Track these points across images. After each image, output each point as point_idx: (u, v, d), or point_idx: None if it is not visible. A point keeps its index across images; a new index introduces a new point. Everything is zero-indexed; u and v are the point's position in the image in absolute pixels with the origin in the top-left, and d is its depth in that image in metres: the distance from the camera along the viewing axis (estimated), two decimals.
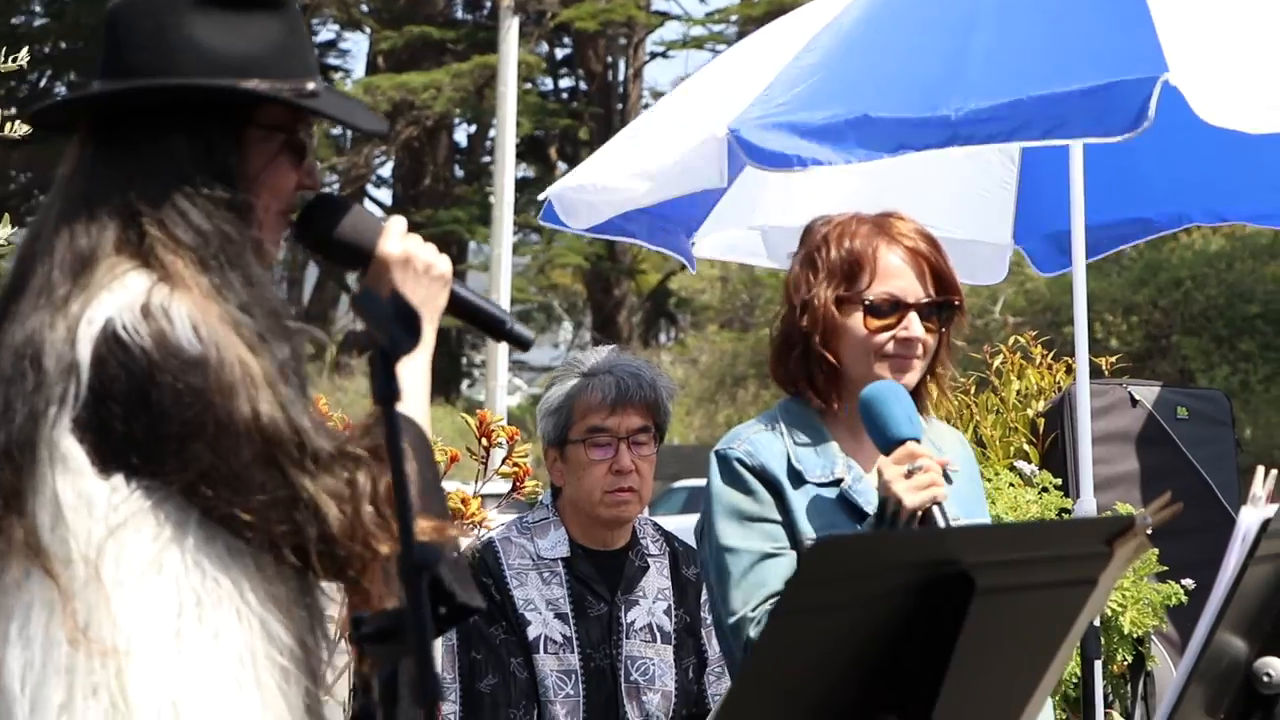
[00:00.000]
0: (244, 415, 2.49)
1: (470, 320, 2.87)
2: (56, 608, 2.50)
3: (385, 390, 2.08)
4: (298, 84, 2.67)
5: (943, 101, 4.64)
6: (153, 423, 2.49)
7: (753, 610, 3.47)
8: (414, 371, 2.72)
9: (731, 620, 3.50)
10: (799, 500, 3.53)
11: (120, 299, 2.52)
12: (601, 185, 5.35)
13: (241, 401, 2.49)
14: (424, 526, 2.52)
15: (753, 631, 3.45)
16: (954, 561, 2.31)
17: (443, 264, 2.79)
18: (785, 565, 3.48)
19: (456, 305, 2.82)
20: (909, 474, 3.37)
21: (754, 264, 6.35)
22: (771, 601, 3.44)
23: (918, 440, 3.43)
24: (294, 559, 2.53)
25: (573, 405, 4.50)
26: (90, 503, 2.51)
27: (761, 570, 3.49)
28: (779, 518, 3.53)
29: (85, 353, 2.50)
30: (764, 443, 3.59)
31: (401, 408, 2.64)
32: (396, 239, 2.77)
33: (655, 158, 5.12)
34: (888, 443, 3.43)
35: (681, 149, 4.97)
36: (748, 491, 3.55)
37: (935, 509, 3.35)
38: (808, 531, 3.51)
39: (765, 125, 4.71)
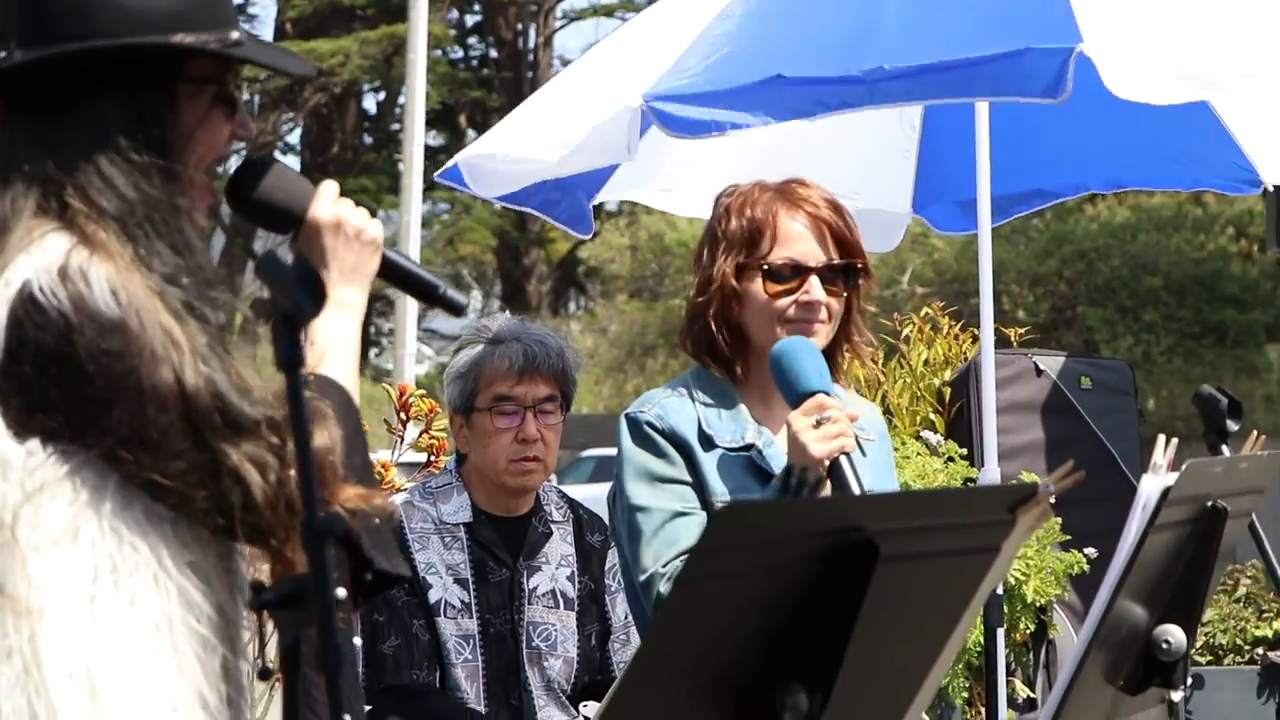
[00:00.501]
0: (165, 380, 2.47)
1: (402, 286, 2.85)
2: None
3: (289, 355, 2.06)
4: (222, 34, 2.64)
5: (858, 62, 4.64)
6: (70, 386, 2.46)
7: (664, 566, 3.48)
8: (343, 335, 2.71)
9: (643, 578, 3.51)
10: (710, 463, 3.54)
11: (38, 261, 2.49)
12: (513, 156, 5.32)
13: (162, 367, 2.47)
14: (351, 493, 2.51)
15: (663, 587, 3.46)
16: (858, 528, 2.31)
17: (374, 229, 2.76)
18: (696, 524, 3.49)
19: (389, 270, 2.80)
20: (817, 424, 3.37)
21: (653, 206, 6.32)
22: (682, 557, 3.45)
23: (827, 394, 3.44)
24: (215, 525, 2.51)
25: (479, 372, 4.49)
26: (5, 466, 2.48)
27: (673, 528, 3.50)
28: (690, 479, 3.54)
29: (0, 315, 2.47)
30: (674, 407, 3.59)
31: (329, 370, 2.65)
32: (328, 203, 2.74)
33: (568, 129, 5.10)
34: (797, 396, 3.43)
35: (594, 121, 4.95)
36: (659, 453, 3.56)
37: (842, 459, 3.35)
38: (719, 492, 3.52)
39: (681, 93, 4.70)
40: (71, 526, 2.49)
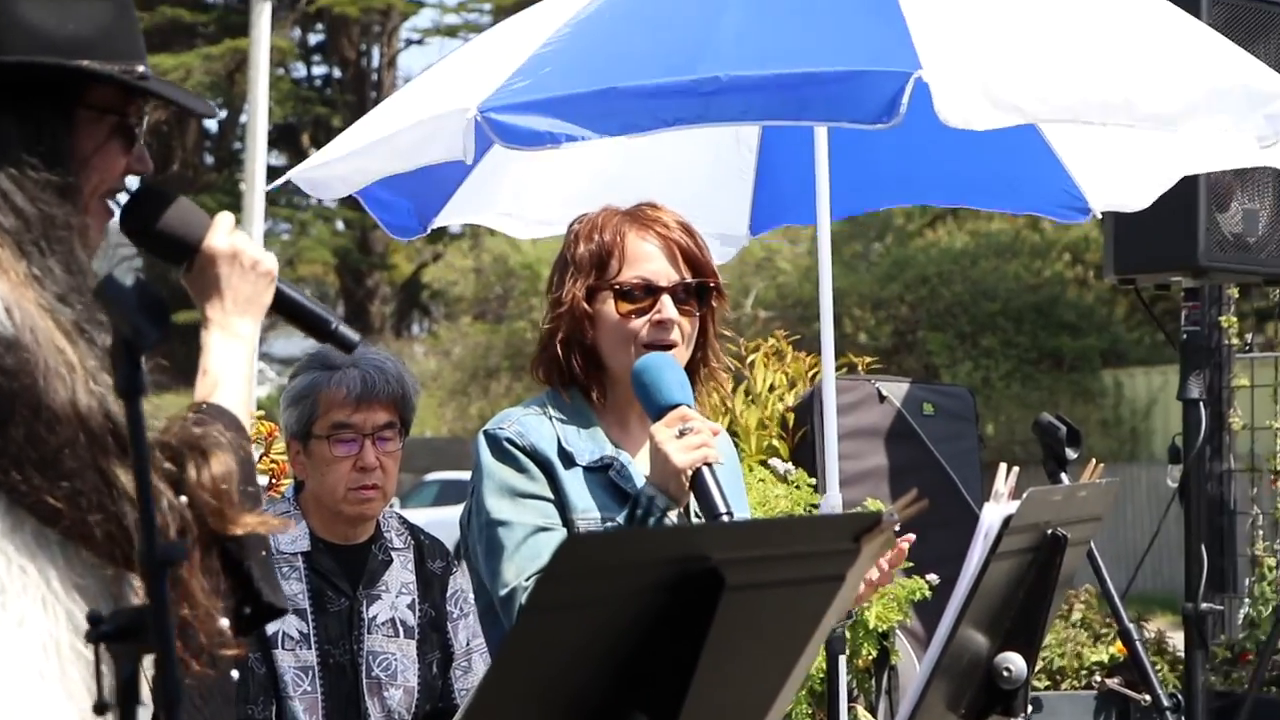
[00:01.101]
0: (59, 400, 2.44)
1: (294, 320, 2.85)
2: None
3: (129, 383, 2.02)
4: (128, 65, 2.64)
5: (692, 71, 4.64)
6: None
7: (526, 580, 3.46)
8: (235, 364, 2.70)
9: (504, 592, 3.49)
10: (570, 480, 3.54)
11: None
12: (345, 160, 5.29)
13: (56, 386, 2.44)
14: (251, 519, 2.51)
15: (525, 600, 3.44)
16: (704, 557, 2.31)
17: (269, 261, 2.77)
18: (557, 539, 3.48)
19: (282, 303, 2.79)
20: (680, 435, 3.38)
21: (495, 229, 6.30)
22: (532, 583, 3.43)
23: (690, 406, 3.44)
24: (103, 550, 2.47)
25: (316, 399, 4.45)
26: None
27: (535, 542, 3.49)
28: (551, 496, 3.54)
29: None
30: (533, 424, 3.59)
31: (221, 399, 2.63)
32: (224, 234, 2.74)
33: (402, 132, 5.08)
34: (659, 409, 3.44)
35: (427, 122, 4.93)
36: (520, 469, 3.55)
37: (705, 470, 3.36)
38: (580, 509, 3.52)
39: (513, 106, 4.68)
40: None
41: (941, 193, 6.33)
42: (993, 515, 3.01)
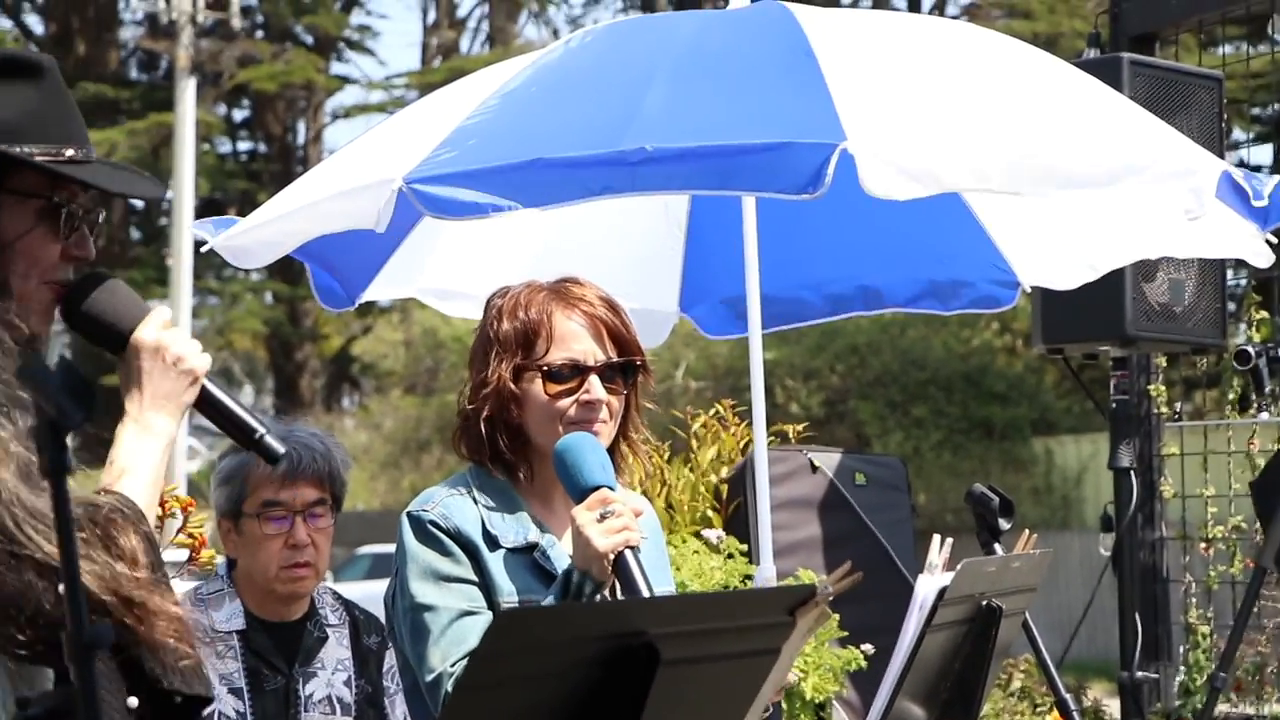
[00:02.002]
0: None
1: (219, 422, 2.82)
2: None
3: (55, 463, 2.00)
4: (54, 149, 2.62)
5: (618, 143, 4.64)
6: None
7: (451, 665, 3.43)
8: (143, 458, 2.68)
9: (430, 678, 3.46)
10: (495, 562, 3.51)
11: None
12: (266, 226, 5.27)
13: None
14: (169, 627, 2.51)
15: (450, 686, 3.41)
16: (639, 633, 2.30)
17: (195, 360, 2.74)
18: (484, 623, 3.45)
19: (207, 405, 2.77)
20: (602, 518, 3.36)
21: (424, 302, 6.28)
22: (465, 663, 3.40)
23: (611, 488, 3.42)
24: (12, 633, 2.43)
25: (245, 476, 4.43)
26: None
27: (460, 627, 3.46)
28: (476, 579, 3.50)
29: None
30: (457, 506, 3.56)
31: (124, 488, 2.59)
32: (154, 327, 2.73)
33: (323, 198, 5.07)
34: (581, 491, 3.42)
35: (351, 192, 4.92)
36: (444, 552, 3.51)
37: (627, 553, 3.34)
38: (505, 591, 3.49)
39: (438, 177, 4.67)
40: None
41: (862, 281, 6.31)
42: (927, 587, 3.00)
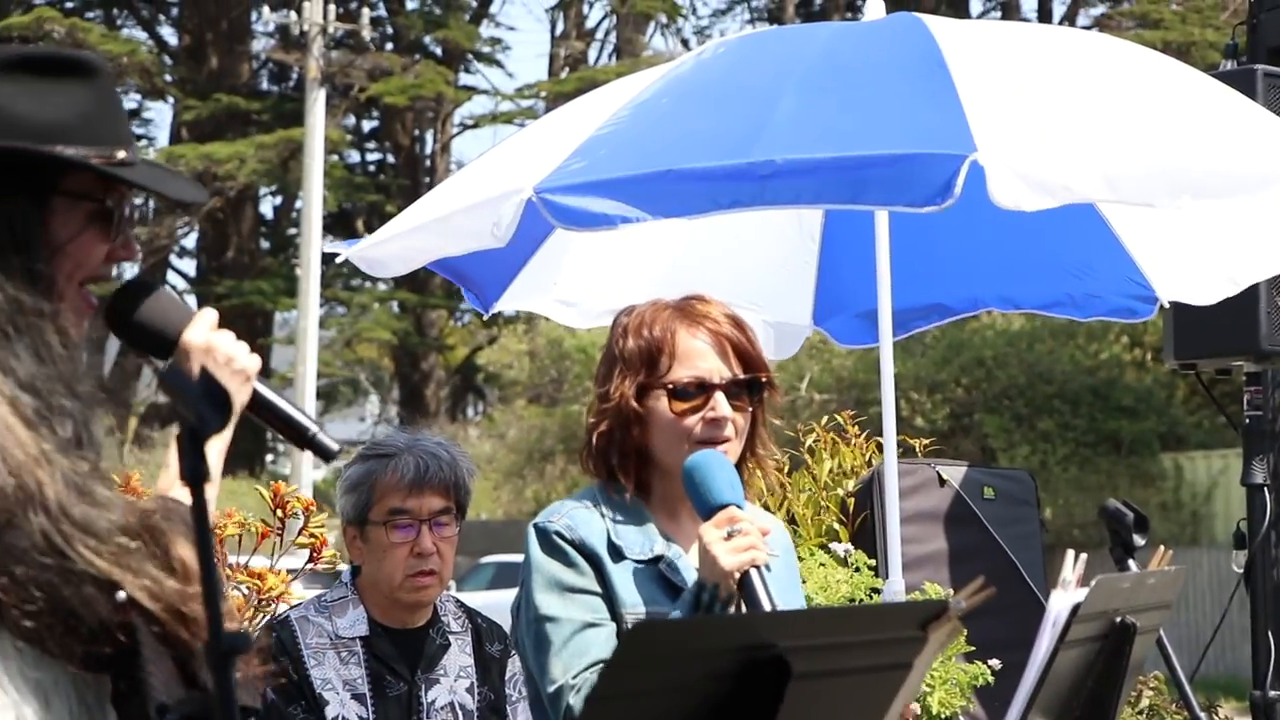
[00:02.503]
0: (8, 485, 2.41)
1: (272, 423, 2.81)
2: None
3: (194, 471, 2.02)
4: (106, 151, 2.62)
5: (747, 154, 4.63)
6: None
7: (573, 678, 3.44)
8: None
9: (551, 689, 3.47)
10: (619, 575, 3.51)
11: None
12: (399, 239, 5.31)
13: (4, 473, 2.41)
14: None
15: (573, 699, 3.42)
16: (770, 646, 2.29)
17: (246, 360, 2.73)
18: (606, 635, 3.46)
19: (259, 406, 2.77)
20: (728, 536, 3.35)
21: (555, 319, 6.31)
22: (593, 669, 3.41)
23: (739, 506, 3.41)
24: (50, 645, 2.43)
25: (372, 485, 4.46)
26: None
27: (583, 639, 3.46)
28: (599, 590, 3.51)
29: None
30: (583, 518, 3.56)
31: (179, 494, 2.59)
32: (202, 329, 2.72)
33: (455, 211, 5.09)
34: (709, 509, 3.41)
35: (482, 204, 4.94)
36: (569, 563, 3.52)
37: (753, 572, 3.33)
38: (629, 604, 3.49)
39: (569, 187, 4.69)
40: None
41: (1001, 287, 6.28)
42: (1061, 603, 2.97)
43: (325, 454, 2.78)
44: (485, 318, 6.25)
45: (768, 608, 3.29)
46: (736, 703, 2.28)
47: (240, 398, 2.73)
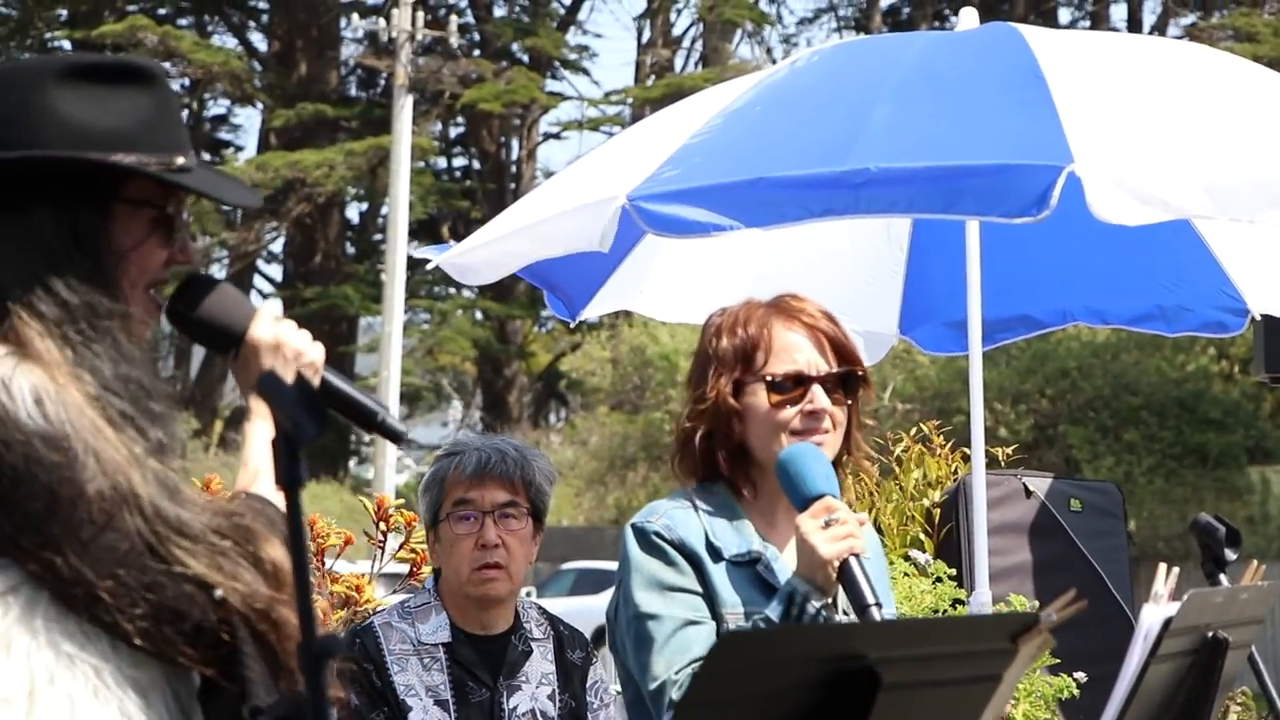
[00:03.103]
0: (97, 490, 2.44)
1: (342, 410, 2.82)
2: None
3: (290, 476, 2.04)
4: (166, 158, 2.63)
5: (842, 162, 4.61)
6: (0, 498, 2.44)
7: (675, 674, 3.43)
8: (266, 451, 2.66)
9: (654, 686, 3.46)
10: (719, 574, 3.51)
11: None
12: (491, 244, 5.33)
13: (94, 477, 2.44)
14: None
15: (675, 695, 3.41)
16: (860, 656, 2.28)
17: (314, 352, 2.75)
18: (707, 633, 3.45)
19: (328, 394, 2.77)
20: (826, 525, 3.34)
21: (644, 314, 6.32)
22: (694, 666, 3.41)
23: (835, 496, 3.41)
24: (148, 645, 2.47)
25: (441, 481, 4.48)
26: None
27: (684, 636, 3.46)
28: (699, 589, 3.50)
29: None
30: (681, 519, 3.56)
31: (261, 490, 2.61)
32: (268, 323, 2.73)
33: (547, 218, 5.11)
34: (804, 500, 3.40)
35: (573, 211, 4.95)
36: (669, 562, 3.52)
37: (852, 560, 3.32)
38: (729, 603, 3.49)
39: (662, 194, 4.69)
40: (4, 639, 2.46)
41: (1091, 299, 6.24)
42: (1152, 617, 2.95)
43: (394, 436, 2.79)
44: (572, 326, 6.27)
45: (868, 594, 3.28)
46: (825, 713, 2.28)
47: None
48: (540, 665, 4.54)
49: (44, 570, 2.45)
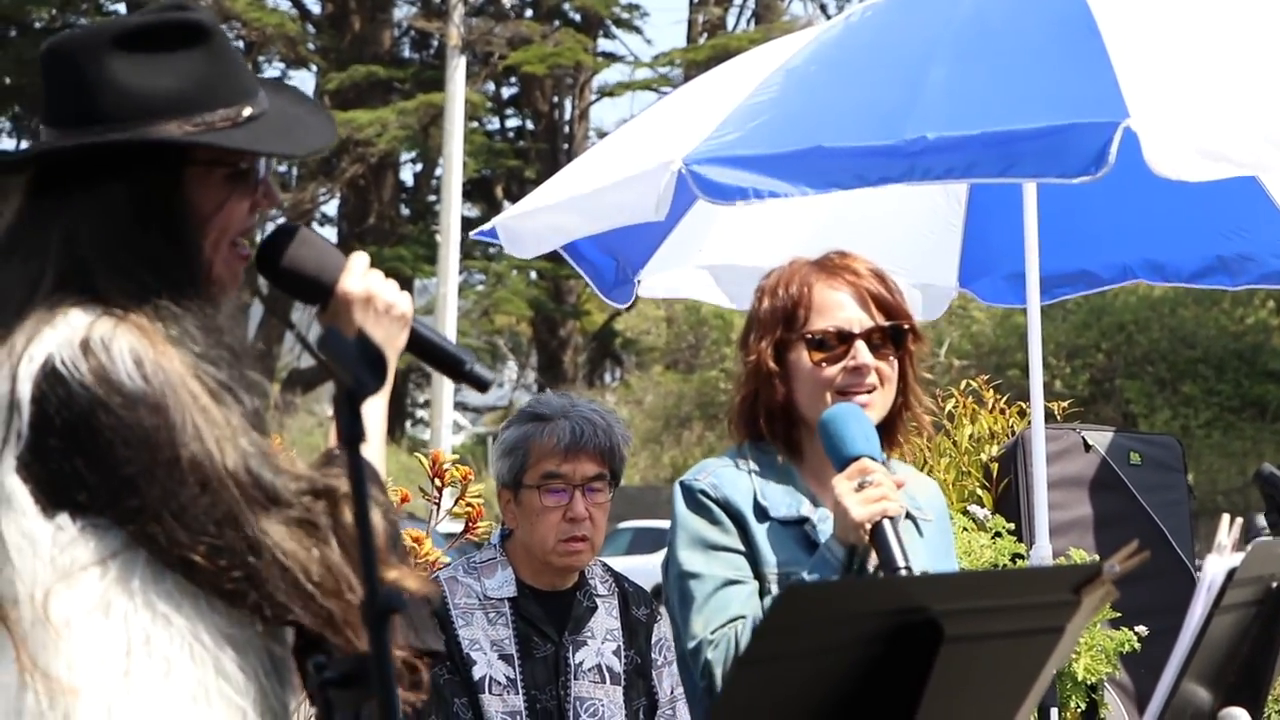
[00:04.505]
0: (200, 457, 2.46)
1: (429, 360, 2.82)
2: (7, 649, 2.46)
3: (351, 432, 2.04)
4: (233, 111, 2.63)
5: (899, 133, 4.60)
6: (96, 460, 2.45)
7: (712, 633, 3.44)
8: (370, 414, 2.66)
9: (691, 644, 3.47)
10: (763, 533, 3.51)
11: (61, 334, 2.49)
12: (545, 214, 5.32)
13: (196, 443, 2.46)
14: (388, 576, 2.48)
15: (710, 654, 3.42)
16: (922, 609, 2.28)
17: (404, 303, 2.74)
18: (748, 593, 3.46)
19: (417, 344, 2.77)
20: (860, 487, 3.33)
21: (700, 300, 6.32)
22: (731, 625, 3.42)
23: (874, 458, 3.39)
24: (246, 604, 2.49)
25: (528, 449, 4.47)
26: (34, 543, 2.47)
27: (724, 595, 3.46)
28: (742, 548, 3.50)
29: (26, 391, 2.46)
30: (729, 477, 3.56)
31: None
32: (359, 276, 2.72)
33: (602, 189, 5.10)
34: (843, 460, 3.39)
35: (627, 181, 4.95)
36: (713, 521, 3.52)
37: (885, 523, 3.30)
38: (771, 563, 3.48)
39: (718, 159, 4.67)
40: (103, 600, 2.48)
41: (1151, 252, 6.20)
42: (1216, 568, 2.94)
43: (481, 384, 2.79)
44: (626, 306, 6.25)
45: (899, 558, 3.26)
46: (888, 665, 2.28)
47: (400, 342, 2.74)
48: (605, 621, 4.56)
49: (141, 532, 2.47)
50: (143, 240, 2.56)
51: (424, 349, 2.79)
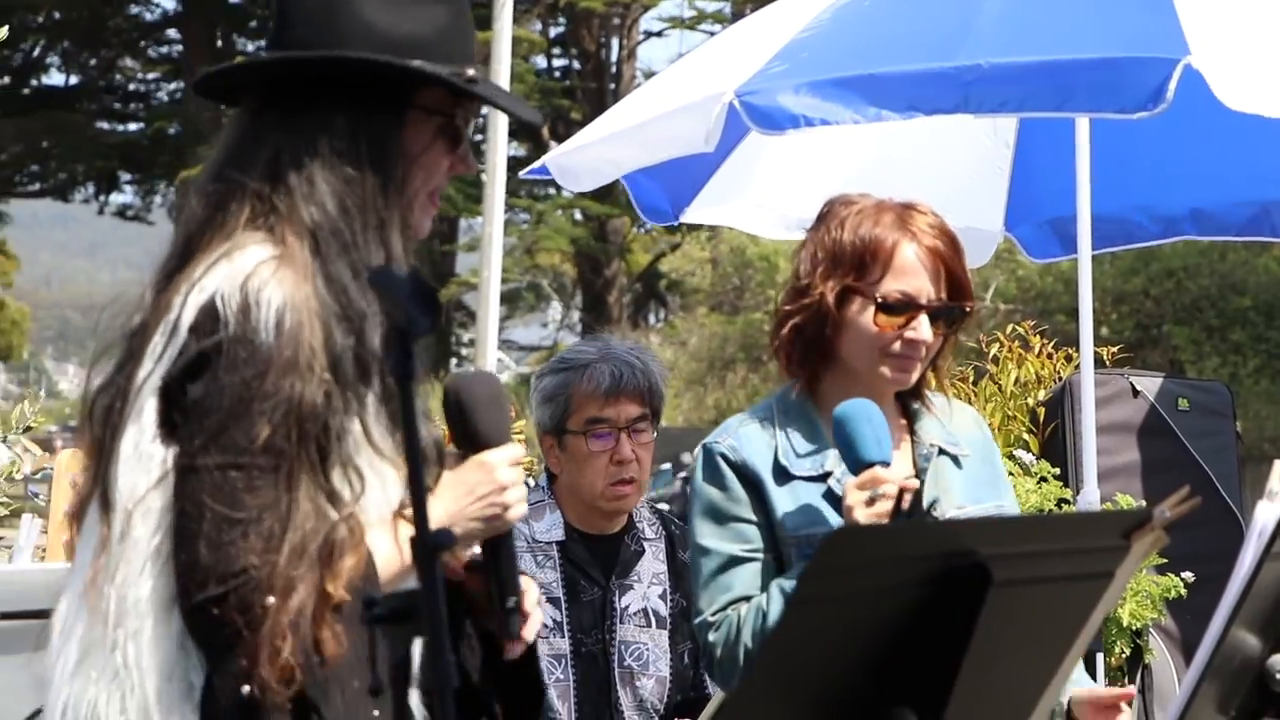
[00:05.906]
0: (288, 395, 2.50)
1: (490, 569, 2.74)
2: (99, 552, 2.54)
3: (402, 368, 2.05)
4: (459, 68, 2.69)
5: (953, 58, 4.56)
6: (202, 396, 2.51)
7: (713, 615, 3.47)
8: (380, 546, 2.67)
9: (696, 620, 3.54)
10: (781, 497, 3.50)
11: (233, 268, 2.54)
12: (596, 147, 5.32)
13: (285, 382, 2.50)
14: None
15: (711, 636, 3.45)
16: (971, 553, 2.28)
17: (516, 514, 2.72)
18: (752, 571, 3.48)
19: (493, 549, 2.73)
20: (871, 501, 3.33)
21: (746, 230, 6.30)
22: (732, 607, 3.45)
23: (886, 464, 3.38)
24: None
25: (569, 395, 4.48)
26: (143, 459, 2.53)
27: (728, 575, 3.49)
28: (754, 518, 3.50)
29: (188, 318, 2.53)
30: (751, 436, 3.55)
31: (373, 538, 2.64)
32: (507, 461, 2.72)
33: (653, 122, 5.09)
34: (855, 464, 3.39)
35: (678, 112, 4.93)
36: (724, 489, 3.52)
37: None
38: (788, 528, 3.48)
39: (769, 89, 4.65)
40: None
41: (1200, 206, 6.14)
42: (1267, 514, 2.92)
43: (509, 633, 2.70)
44: (676, 223, 6.25)
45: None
46: (937, 609, 2.28)
47: (483, 533, 2.71)
48: (652, 565, 4.57)
49: (190, 466, 2.53)
50: (348, 168, 2.62)
51: (496, 557, 2.74)
